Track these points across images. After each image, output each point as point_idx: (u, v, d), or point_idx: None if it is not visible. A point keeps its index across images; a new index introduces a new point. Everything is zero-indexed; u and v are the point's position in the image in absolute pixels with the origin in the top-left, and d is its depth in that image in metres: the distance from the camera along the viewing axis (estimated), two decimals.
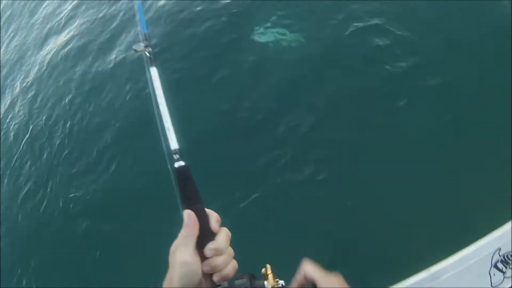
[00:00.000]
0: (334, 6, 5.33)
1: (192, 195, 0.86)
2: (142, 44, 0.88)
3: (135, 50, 0.87)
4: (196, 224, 0.84)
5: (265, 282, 0.85)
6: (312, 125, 4.30)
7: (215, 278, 0.83)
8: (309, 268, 0.91)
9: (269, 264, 0.86)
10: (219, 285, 0.84)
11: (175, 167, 0.86)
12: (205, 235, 0.84)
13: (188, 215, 0.85)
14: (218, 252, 0.84)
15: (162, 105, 0.86)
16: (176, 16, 6.22)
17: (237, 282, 0.84)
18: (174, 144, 0.86)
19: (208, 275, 0.84)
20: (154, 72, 0.88)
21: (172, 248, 0.85)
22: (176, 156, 0.86)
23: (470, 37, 4.36)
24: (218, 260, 0.84)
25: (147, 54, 0.90)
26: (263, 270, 0.86)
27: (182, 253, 0.82)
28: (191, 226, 0.84)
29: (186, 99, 4.86)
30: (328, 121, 4.31)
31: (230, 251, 0.87)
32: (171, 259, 0.84)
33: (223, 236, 0.87)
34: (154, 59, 0.90)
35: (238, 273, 0.86)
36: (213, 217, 0.87)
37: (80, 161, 5.57)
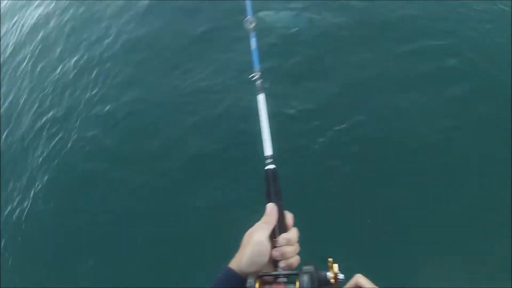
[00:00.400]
0: None
1: (276, 193, 1.02)
2: (257, 75, 1.29)
3: (250, 79, 1.28)
4: (276, 215, 0.99)
5: (328, 273, 0.93)
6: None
7: (282, 264, 0.95)
8: (362, 280, 1.00)
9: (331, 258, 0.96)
10: (287, 276, 0.93)
11: (266, 168, 1.06)
12: (279, 228, 0.98)
13: (270, 207, 1.01)
14: (289, 242, 0.97)
15: (263, 122, 1.13)
16: None
17: (305, 267, 0.93)
18: (268, 151, 1.09)
19: (272, 262, 0.97)
20: (262, 97, 1.21)
21: (249, 231, 0.98)
22: (269, 160, 1.07)
23: None
24: (288, 249, 0.96)
25: (259, 83, 1.26)
26: (330, 262, 0.95)
27: (259, 234, 0.95)
28: (272, 216, 0.99)
29: None
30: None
31: (297, 246, 0.99)
32: (246, 239, 0.96)
33: (294, 232, 1.00)
34: (262, 88, 1.24)
35: (304, 262, 0.97)
36: (289, 215, 1.02)
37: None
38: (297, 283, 0.88)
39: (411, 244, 3.55)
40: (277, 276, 0.93)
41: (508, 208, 3.45)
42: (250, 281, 0.89)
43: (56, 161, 5.41)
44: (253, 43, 1.42)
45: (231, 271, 0.93)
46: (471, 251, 3.37)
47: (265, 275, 0.93)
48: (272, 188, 1.03)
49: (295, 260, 0.97)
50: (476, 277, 3.09)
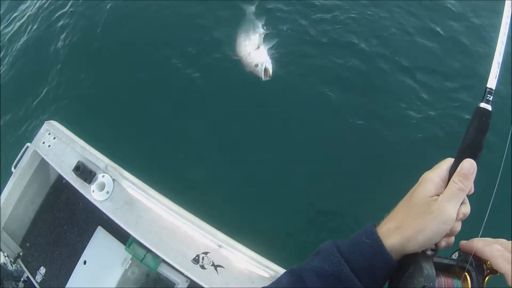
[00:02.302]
0: None
1: (477, 147, 0.74)
2: None
3: None
4: (472, 181, 0.72)
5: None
6: None
7: (443, 243, 0.75)
8: (480, 244, 0.72)
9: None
10: (435, 250, 0.75)
11: (479, 106, 0.76)
12: None
13: (472, 166, 0.72)
14: (464, 218, 0.74)
15: (502, 36, 0.78)
16: None
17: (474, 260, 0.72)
18: (492, 82, 0.76)
19: None
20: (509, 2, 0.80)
21: (427, 190, 0.72)
22: (488, 97, 0.76)
23: None
24: (459, 227, 0.74)
25: None
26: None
27: (452, 206, 0.69)
28: (470, 181, 0.71)
29: None
30: None
31: None
32: (424, 204, 0.71)
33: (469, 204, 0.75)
34: None
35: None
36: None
37: None
38: (468, 280, 0.69)
39: None
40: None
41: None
42: (428, 268, 0.67)
43: None
44: None
45: (381, 245, 0.70)
46: None
47: (441, 263, 0.71)
48: (478, 138, 0.74)
49: (453, 239, 0.76)
50: None
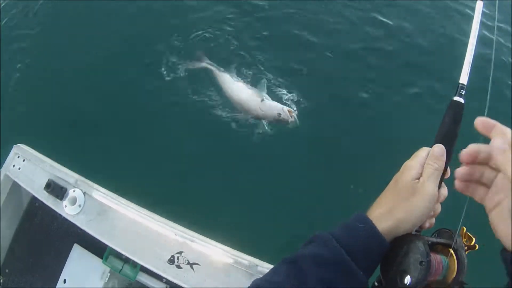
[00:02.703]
0: None
1: (452, 136, 0.83)
2: None
3: None
4: (444, 161, 0.80)
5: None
6: None
7: (427, 224, 0.83)
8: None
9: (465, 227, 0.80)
10: (419, 231, 0.81)
11: (454, 99, 0.84)
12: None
13: (441, 149, 0.80)
14: (443, 200, 0.82)
15: (472, 38, 0.89)
16: None
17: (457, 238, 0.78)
18: (464, 78, 0.86)
19: None
20: (480, 4, 0.93)
21: (411, 175, 0.79)
22: (461, 91, 0.85)
23: None
24: (439, 208, 0.82)
25: None
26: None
27: (432, 184, 0.77)
28: (442, 161, 0.79)
29: None
30: None
31: None
32: (409, 186, 0.78)
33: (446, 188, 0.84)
34: None
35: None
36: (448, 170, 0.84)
37: None
38: (454, 257, 0.76)
39: None
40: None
41: None
42: (421, 245, 0.73)
43: None
44: None
45: (374, 228, 0.74)
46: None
47: (428, 242, 0.76)
48: (453, 127, 0.83)
49: (434, 221, 0.84)
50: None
